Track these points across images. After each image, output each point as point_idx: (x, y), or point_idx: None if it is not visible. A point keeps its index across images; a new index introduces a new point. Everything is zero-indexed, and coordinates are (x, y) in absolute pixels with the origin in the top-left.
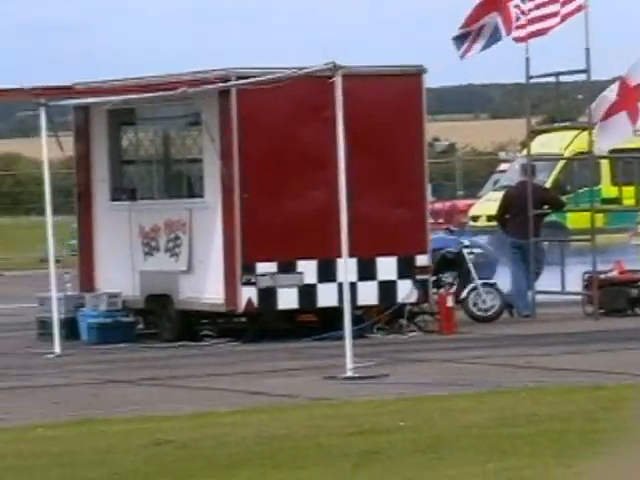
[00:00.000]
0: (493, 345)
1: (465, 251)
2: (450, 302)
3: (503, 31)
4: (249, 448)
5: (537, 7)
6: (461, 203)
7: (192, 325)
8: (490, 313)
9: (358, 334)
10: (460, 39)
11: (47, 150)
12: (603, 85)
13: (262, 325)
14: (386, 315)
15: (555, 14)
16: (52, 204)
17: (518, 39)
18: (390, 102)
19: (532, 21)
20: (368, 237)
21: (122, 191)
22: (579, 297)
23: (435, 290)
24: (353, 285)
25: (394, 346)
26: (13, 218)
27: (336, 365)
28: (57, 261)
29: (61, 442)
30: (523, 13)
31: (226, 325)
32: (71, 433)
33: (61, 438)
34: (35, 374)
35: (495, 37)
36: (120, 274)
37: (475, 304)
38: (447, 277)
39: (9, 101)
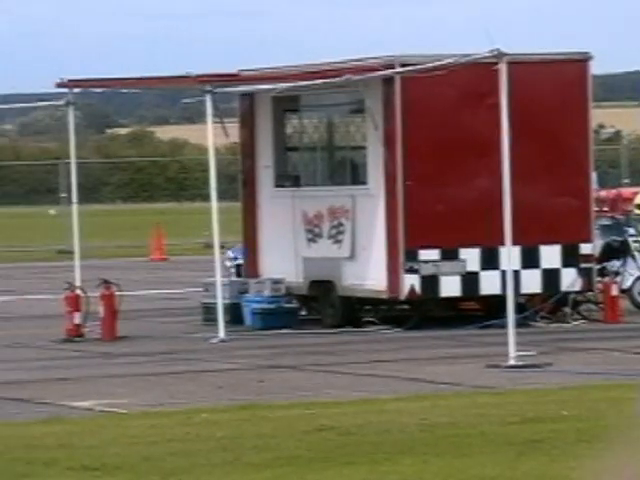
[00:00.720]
0: None
1: (630, 239)
2: (615, 291)
3: None
4: (412, 435)
5: None
6: (626, 191)
7: (355, 311)
8: None
9: (521, 322)
10: None
11: (212, 136)
12: None
13: (424, 312)
14: (550, 303)
15: None
16: (217, 190)
17: None
18: (555, 89)
19: None
20: (532, 225)
21: (286, 178)
22: None
23: (599, 279)
24: (516, 273)
25: (557, 335)
26: (178, 204)
27: (499, 353)
28: (222, 247)
29: (225, 427)
30: None
31: (388, 312)
32: (235, 418)
33: (225, 423)
34: (200, 359)
35: None
36: (283, 260)
37: None
38: (612, 266)
39: (176, 88)
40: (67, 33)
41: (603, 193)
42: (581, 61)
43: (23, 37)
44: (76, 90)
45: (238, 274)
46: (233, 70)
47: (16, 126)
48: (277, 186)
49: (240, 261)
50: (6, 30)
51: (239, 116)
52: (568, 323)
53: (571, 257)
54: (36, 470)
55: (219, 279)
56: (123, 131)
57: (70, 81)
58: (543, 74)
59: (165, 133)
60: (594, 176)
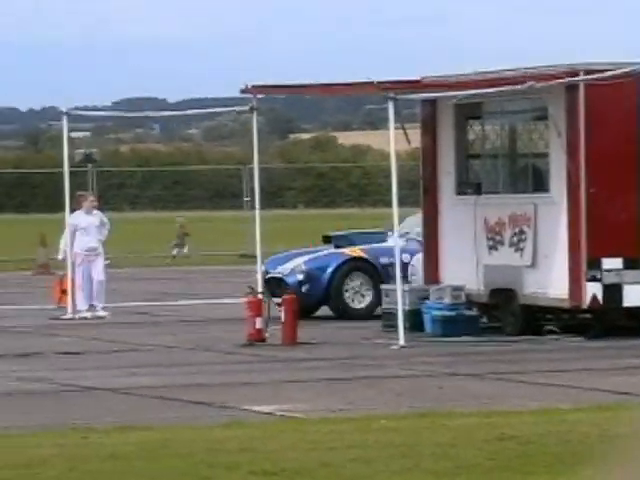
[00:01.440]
0: None
1: None
2: None
3: None
4: (592, 446)
5: None
6: None
7: (536, 320)
8: None
9: None
10: None
11: (394, 142)
12: None
13: (607, 322)
14: None
15: None
16: (398, 196)
17: None
18: None
19: None
20: None
21: (467, 185)
22: None
23: None
24: None
25: None
26: (361, 209)
27: None
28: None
29: (404, 434)
30: None
31: (570, 321)
32: (414, 425)
33: (404, 430)
34: (379, 365)
35: None
36: (464, 267)
37: None
38: None
39: (358, 94)
40: (252, 39)
41: None
42: None
43: (210, 43)
44: (260, 96)
45: (268, 288)
46: (415, 77)
47: (201, 130)
48: (459, 193)
49: (273, 274)
50: (193, 36)
51: (420, 122)
52: None
53: None
54: (218, 473)
55: (399, 286)
56: (306, 136)
57: (254, 87)
58: None
59: (347, 138)
60: None
